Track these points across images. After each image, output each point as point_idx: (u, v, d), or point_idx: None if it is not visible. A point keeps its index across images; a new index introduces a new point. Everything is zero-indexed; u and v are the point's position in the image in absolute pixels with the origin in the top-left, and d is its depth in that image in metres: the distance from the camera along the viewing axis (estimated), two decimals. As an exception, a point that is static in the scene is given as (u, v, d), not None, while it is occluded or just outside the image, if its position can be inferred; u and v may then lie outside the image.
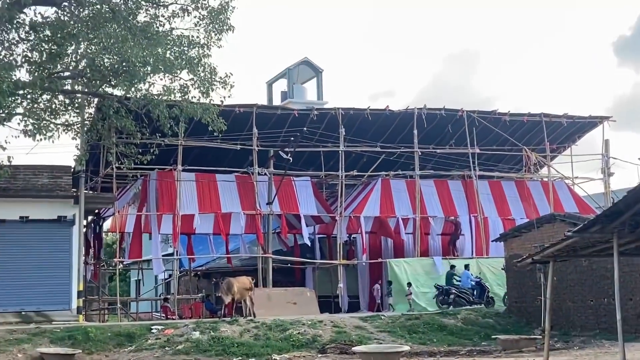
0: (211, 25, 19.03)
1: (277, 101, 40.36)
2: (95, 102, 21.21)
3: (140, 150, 21.13)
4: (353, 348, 17.56)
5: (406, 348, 17.60)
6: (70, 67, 19.01)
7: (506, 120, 30.20)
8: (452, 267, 26.74)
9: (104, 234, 31.57)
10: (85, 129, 21.22)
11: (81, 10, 18.24)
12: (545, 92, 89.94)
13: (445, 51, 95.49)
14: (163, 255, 32.03)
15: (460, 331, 21.50)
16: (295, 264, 30.09)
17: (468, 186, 30.26)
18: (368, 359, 16.16)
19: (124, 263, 32.97)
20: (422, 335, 20.76)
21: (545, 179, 31.84)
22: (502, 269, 25.13)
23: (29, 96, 18.78)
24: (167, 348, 18.47)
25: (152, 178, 26.14)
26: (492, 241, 27.38)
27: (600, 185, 31.88)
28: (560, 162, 33.34)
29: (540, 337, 19.02)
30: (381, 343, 19.35)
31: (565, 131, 32.13)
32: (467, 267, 26.60)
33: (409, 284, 26.46)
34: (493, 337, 20.11)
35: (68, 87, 19.68)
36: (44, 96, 19.26)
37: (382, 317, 22.63)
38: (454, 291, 25.54)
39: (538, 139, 31.57)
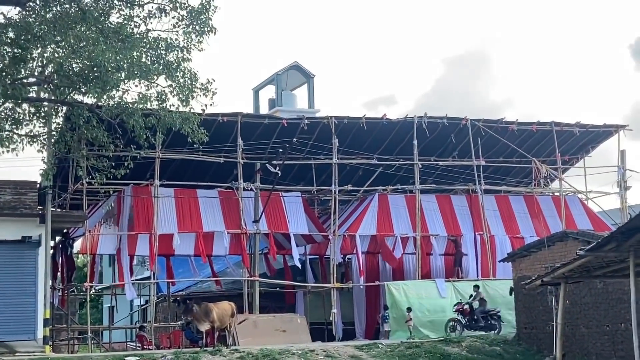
0: (191, 27, 19.13)
1: (264, 109, 40.42)
2: (64, 111, 21.17)
3: (113, 164, 21.10)
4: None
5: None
6: (36, 73, 19.02)
7: (514, 129, 30.33)
8: (476, 287, 26.72)
9: (74, 255, 31.40)
10: (53, 140, 21.20)
11: (48, 10, 18.27)
12: (557, 97, 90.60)
13: (447, 53, 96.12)
14: (140, 279, 31.98)
15: (465, 360, 21.42)
16: (285, 288, 30.01)
17: (473, 201, 30.31)
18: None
19: (96, 288, 32.79)
20: (424, 366, 20.69)
21: (557, 194, 31.92)
22: (509, 291, 25.09)
23: (-11, 104, 18.78)
24: (142, 381, 18.37)
25: (127, 194, 26.07)
26: (499, 261, 27.34)
27: (616, 199, 32.02)
28: (572, 175, 33.46)
29: (552, 366, 18.97)
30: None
31: (578, 141, 32.28)
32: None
33: (409, 309, 26.45)
34: (501, 366, 20.08)
35: (33, 95, 19.68)
36: (7, 104, 19.24)
37: (380, 345, 22.57)
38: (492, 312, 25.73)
39: (548, 150, 31.72)
